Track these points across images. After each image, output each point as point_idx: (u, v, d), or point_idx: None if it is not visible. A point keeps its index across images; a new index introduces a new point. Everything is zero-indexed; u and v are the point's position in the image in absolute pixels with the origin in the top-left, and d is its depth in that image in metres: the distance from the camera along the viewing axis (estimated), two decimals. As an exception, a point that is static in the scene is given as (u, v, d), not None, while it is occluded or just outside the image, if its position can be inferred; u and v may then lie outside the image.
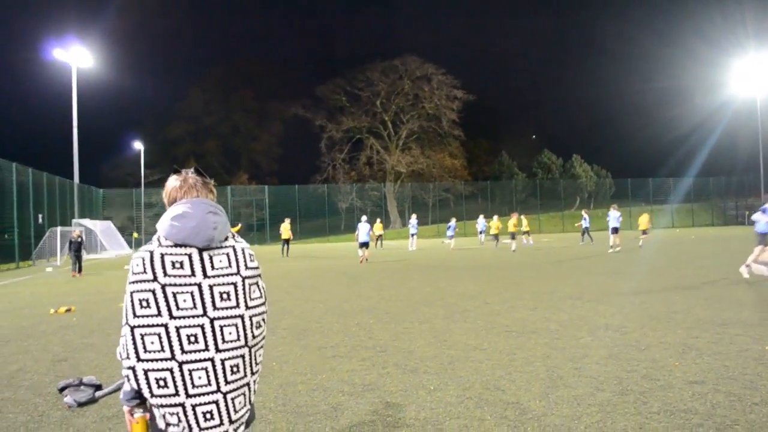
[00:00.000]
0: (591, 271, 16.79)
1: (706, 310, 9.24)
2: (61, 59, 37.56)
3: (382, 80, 67.27)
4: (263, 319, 2.45)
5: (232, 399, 2.32)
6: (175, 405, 2.23)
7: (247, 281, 2.39)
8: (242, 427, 2.37)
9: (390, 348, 7.31)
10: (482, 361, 6.45)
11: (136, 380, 2.20)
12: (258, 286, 2.45)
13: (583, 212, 34.64)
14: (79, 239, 21.73)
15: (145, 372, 2.20)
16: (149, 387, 2.20)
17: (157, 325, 2.22)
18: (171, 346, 2.22)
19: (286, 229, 30.56)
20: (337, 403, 5.13)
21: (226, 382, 2.30)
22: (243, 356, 2.34)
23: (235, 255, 2.40)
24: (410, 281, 15.50)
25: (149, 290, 2.23)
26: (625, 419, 4.48)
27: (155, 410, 2.25)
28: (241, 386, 2.35)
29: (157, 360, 2.20)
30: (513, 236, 29.78)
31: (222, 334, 2.30)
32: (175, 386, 2.23)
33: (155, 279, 2.24)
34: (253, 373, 2.40)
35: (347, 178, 67.90)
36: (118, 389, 5.70)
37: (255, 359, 2.41)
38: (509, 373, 5.93)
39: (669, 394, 5.05)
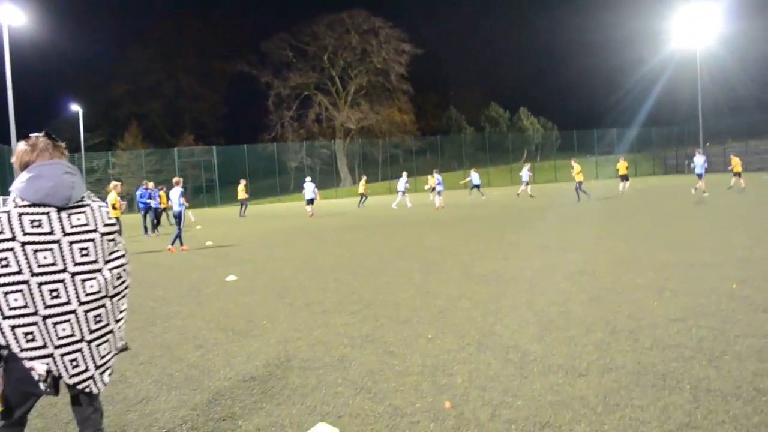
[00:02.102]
0: (550, 221, 17.25)
1: (669, 254, 9.66)
2: (-10, 17, 35.39)
3: (328, 34, 66.13)
4: (124, 270, 2.73)
5: (97, 346, 2.61)
6: (45, 356, 2.43)
7: (104, 237, 2.62)
8: (108, 371, 2.69)
9: (376, 301, 7.42)
10: (470, 309, 6.63)
11: (4, 336, 2.36)
12: (115, 241, 2.70)
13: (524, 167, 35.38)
14: None
15: (12, 328, 2.36)
16: (17, 341, 2.38)
17: (19, 282, 2.37)
18: (34, 302, 2.40)
19: (241, 189, 31.05)
20: (342, 355, 5.22)
21: (90, 332, 2.56)
22: (105, 306, 2.62)
23: (93, 213, 2.60)
24: (374, 237, 15.61)
25: (8, 249, 2.36)
26: (622, 356, 4.71)
27: (25, 363, 2.41)
28: (105, 334, 2.64)
29: (22, 315, 2.37)
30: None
31: (83, 287, 2.52)
32: (43, 339, 2.42)
33: (14, 238, 2.37)
34: (117, 321, 2.72)
35: (296, 137, 67.18)
36: (116, 353, 5.65)
37: (118, 308, 2.73)
38: (500, 319, 6.12)
39: (656, 331, 5.32)
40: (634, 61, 76.92)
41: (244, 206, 31.25)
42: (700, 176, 25.24)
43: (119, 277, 2.70)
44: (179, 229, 15.03)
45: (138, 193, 20.96)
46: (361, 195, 33.86)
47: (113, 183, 17.25)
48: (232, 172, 55.26)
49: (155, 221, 21.53)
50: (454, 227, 17.00)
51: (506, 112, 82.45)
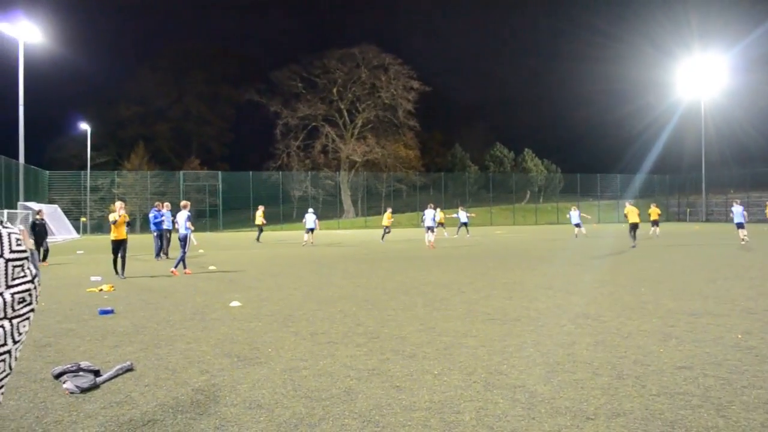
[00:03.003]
0: (552, 263, 17.26)
1: (674, 301, 9.67)
2: (8, 33, 36.05)
3: (339, 68, 66.97)
4: (29, 294, 2.78)
5: None
6: None
7: (10, 263, 2.70)
8: (1, 389, 2.72)
9: (382, 334, 7.42)
10: (477, 348, 6.63)
11: None
12: (23, 267, 2.77)
13: (572, 208, 34.66)
14: (43, 220, 19.51)
15: None
16: None
17: None
18: None
19: (259, 215, 32.02)
20: (348, 387, 5.22)
21: None
22: (3, 327, 2.67)
23: (0, 239, 2.69)
24: (378, 270, 15.63)
25: None
26: (629, 401, 4.71)
27: None
28: (2, 353, 2.68)
29: None
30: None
31: None
32: None
33: None
34: (15, 342, 2.75)
35: (301, 166, 67.46)
36: (119, 374, 5.66)
37: (17, 330, 2.76)
38: (506, 358, 6.12)
39: (663, 378, 5.32)
40: (640, 110, 77.70)
41: (260, 232, 32.68)
42: (740, 225, 24.74)
43: (22, 301, 2.75)
44: (183, 252, 15.07)
45: (151, 215, 20.34)
46: (385, 228, 32.05)
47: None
48: (236, 198, 55.49)
49: (165, 245, 20.78)
50: (456, 264, 17.01)
51: (511, 152, 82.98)
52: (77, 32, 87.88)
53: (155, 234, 20.01)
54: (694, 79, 56.40)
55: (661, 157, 68.64)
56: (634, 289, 11.30)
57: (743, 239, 23.84)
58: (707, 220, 57.97)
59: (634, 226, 23.07)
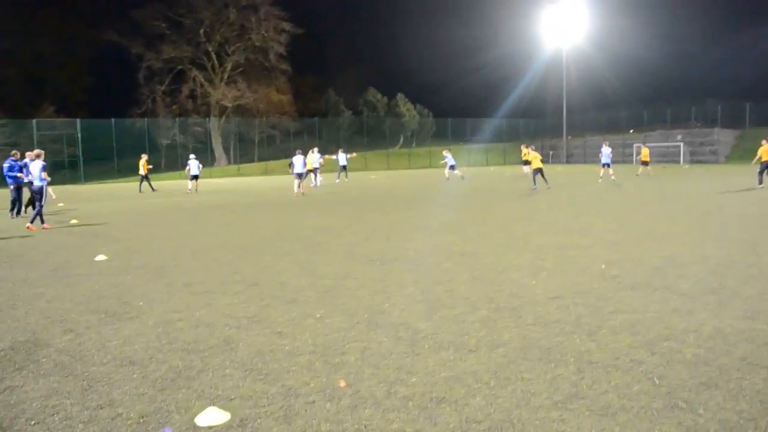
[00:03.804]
0: (428, 205, 17.64)
1: (543, 237, 10.17)
2: None
3: (205, 7, 63.16)
4: None
5: None
6: None
7: None
8: None
9: (260, 281, 7.21)
10: (357, 289, 6.60)
11: None
12: None
13: (444, 152, 34.90)
14: None
15: None
16: None
17: None
18: None
19: (142, 164, 30.12)
20: (227, 336, 5.00)
21: None
22: None
23: None
24: (254, 217, 15.24)
25: None
26: (507, 332, 4.87)
27: None
28: None
29: None
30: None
31: None
32: None
33: None
34: None
35: (168, 112, 63.91)
36: (-34, 338, 5.09)
37: None
38: (387, 298, 6.14)
39: (537, 308, 5.55)
40: (507, 56, 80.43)
41: (143, 181, 30.24)
42: (607, 165, 27.07)
43: None
44: (40, 205, 13.83)
45: (6, 165, 18.06)
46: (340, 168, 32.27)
47: None
48: (98, 147, 51.86)
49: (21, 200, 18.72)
50: (333, 209, 16.93)
51: (384, 97, 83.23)
52: None
53: (12, 187, 17.95)
54: (557, 26, 58.85)
55: (526, 102, 71.67)
56: (507, 226, 11.76)
57: (612, 177, 25.83)
58: (568, 162, 61.63)
59: (537, 171, 23.21)
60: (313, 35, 75.05)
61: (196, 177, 28.29)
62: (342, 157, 33.81)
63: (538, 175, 23.18)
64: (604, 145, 28.14)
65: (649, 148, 33.55)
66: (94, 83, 78.23)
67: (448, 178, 32.21)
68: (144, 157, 30.72)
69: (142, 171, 30.26)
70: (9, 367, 4.45)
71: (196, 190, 27.95)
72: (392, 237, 10.71)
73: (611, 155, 27.70)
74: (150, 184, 30.45)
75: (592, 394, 3.57)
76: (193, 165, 28.27)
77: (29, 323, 5.66)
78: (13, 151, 17.82)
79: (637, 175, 30.71)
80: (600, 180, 26.11)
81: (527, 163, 34.50)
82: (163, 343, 4.89)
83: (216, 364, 4.34)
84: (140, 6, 62.46)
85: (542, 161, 23.83)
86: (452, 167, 32.27)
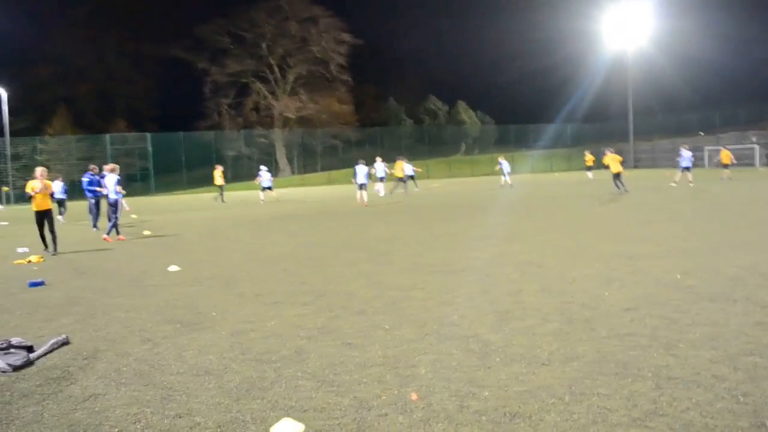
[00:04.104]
0: (491, 213, 17.48)
1: (613, 245, 9.90)
2: None
3: (267, 21, 64.65)
4: None
5: None
6: None
7: None
8: None
9: (328, 292, 7.29)
10: (425, 300, 6.59)
11: None
12: None
13: (499, 158, 34.81)
14: None
15: None
16: None
17: None
18: None
19: (219, 176, 31.25)
20: (298, 347, 5.08)
21: None
22: None
23: None
24: (319, 227, 15.43)
25: None
26: (581, 345, 4.76)
27: None
28: None
29: None
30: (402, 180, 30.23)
31: None
32: None
33: None
34: None
35: (234, 125, 65.62)
36: (54, 348, 5.34)
37: None
38: (455, 309, 6.10)
39: (611, 320, 5.41)
40: (568, 59, 78.62)
41: (221, 192, 31.87)
42: (687, 169, 25.77)
43: None
44: (115, 218, 14.45)
45: (85, 179, 18.60)
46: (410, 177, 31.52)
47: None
48: (168, 160, 53.68)
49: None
50: (397, 218, 16.98)
51: (444, 105, 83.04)
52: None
53: (92, 201, 18.57)
54: (621, 28, 57.42)
55: (590, 106, 69.98)
56: (573, 234, 11.52)
57: (690, 182, 24.82)
58: (635, 167, 59.90)
59: (617, 176, 23.09)
60: (372, 45, 75.66)
61: (269, 188, 29.53)
62: (408, 168, 33.59)
63: (618, 180, 22.83)
64: (683, 148, 26.70)
65: (729, 150, 32.11)
66: (163, 98, 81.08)
67: (502, 185, 32.13)
68: (219, 168, 31.80)
69: (219, 181, 31.32)
70: (92, 375, 4.64)
71: (277, 199, 29.61)
72: (457, 246, 10.65)
73: (692, 159, 26.53)
74: (222, 196, 31.68)
75: (673, 412, 3.45)
76: (265, 176, 29.39)
77: (109, 332, 5.89)
78: (92, 166, 18.41)
79: (721, 179, 29.26)
80: (674, 184, 25.14)
81: (590, 168, 34.44)
82: (236, 353, 5.00)
83: (288, 375, 4.41)
84: (204, 23, 64.46)
85: (622, 163, 23.38)
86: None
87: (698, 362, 4.23)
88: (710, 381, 3.87)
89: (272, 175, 30.09)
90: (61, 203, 22.81)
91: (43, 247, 12.38)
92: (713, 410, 3.44)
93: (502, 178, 32.69)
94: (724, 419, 3.33)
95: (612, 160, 23.45)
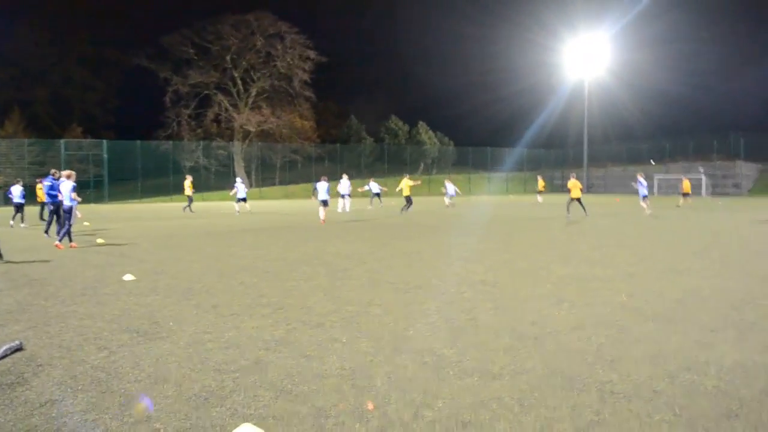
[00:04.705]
0: (448, 232, 17.76)
1: (564, 267, 10.23)
2: None
3: (233, 35, 64.49)
4: None
5: None
6: None
7: None
8: None
9: (286, 305, 7.37)
10: (382, 315, 6.73)
11: None
12: None
13: (446, 181, 36.07)
14: None
15: None
16: None
17: None
18: None
19: (188, 186, 31.96)
20: (257, 358, 5.16)
21: None
22: None
23: None
24: (277, 241, 15.44)
25: None
26: (531, 360, 4.97)
27: None
28: None
29: None
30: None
31: None
32: None
33: None
34: None
35: (193, 136, 64.97)
36: (7, 354, 5.31)
37: None
38: (411, 324, 6.27)
39: (559, 337, 5.64)
40: (529, 88, 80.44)
41: (190, 201, 32.29)
42: (644, 197, 26.05)
43: None
44: (69, 224, 14.22)
45: (47, 184, 17.69)
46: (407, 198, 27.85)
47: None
48: (123, 168, 52.86)
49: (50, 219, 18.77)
50: (356, 235, 17.10)
51: (405, 125, 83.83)
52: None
53: (51, 207, 17.73)
54: (580, 59, 59.21)
55: (548, 133, 71.78)
56: (528, 255, 11.84)
57: (647, 211, 25.38)
58: (588, 192, 61.46)
59: (576, 200, 23.81)
60: (337, 63, 75.96)
61: (243, 199, 29.63)
62: (374, 186, 34.52)
63: (575, 203, 23.72)
64: (640, 176, 26.98)
65: (689, 180, 33.63)
66: (122, 106, 79.81)
67: (447, 206, 34.11)
68: (189, 178, 32.30)
69: (188, 191, 31.77)
70: (48, 381, 4.63)
71: (250, 211, 29.93)
72: (414, 264, 10.84)
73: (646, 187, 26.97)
74: (190, 206, 31.96)
75: (614, 422, 3.67)
76: (241, 188, 29.66)
77: (63, 340, 5.86)
78: (53, 170, 17.83)
79: (677, 206, 30.66)
80: (648, 212, 25.45)
81: (540, 192, 36.80)
82: (195, 363, 5.05)
83: (247, 384, 4.49)
84: (169, 32, 63.91)
85: (581, 191, 24.40)
86: (377, 195, 34.89)
87: (639, 378, 4.48)
88: (650, 395, 4.12)
89: (247, 187, 30.23)
90: (19, 208, 22.25)
91: None
92: (652, 421, 3.68)
93: (446, 199, 35.05)
94: (662, 430, 3.57)
95: (573, 185, 24.24)
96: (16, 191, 22.65)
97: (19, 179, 24.44)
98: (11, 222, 21.90)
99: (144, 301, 7.77)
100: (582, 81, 60.95)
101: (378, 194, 34.92)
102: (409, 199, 27.35)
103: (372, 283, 8.91)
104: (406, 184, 27.71)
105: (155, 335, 5.99)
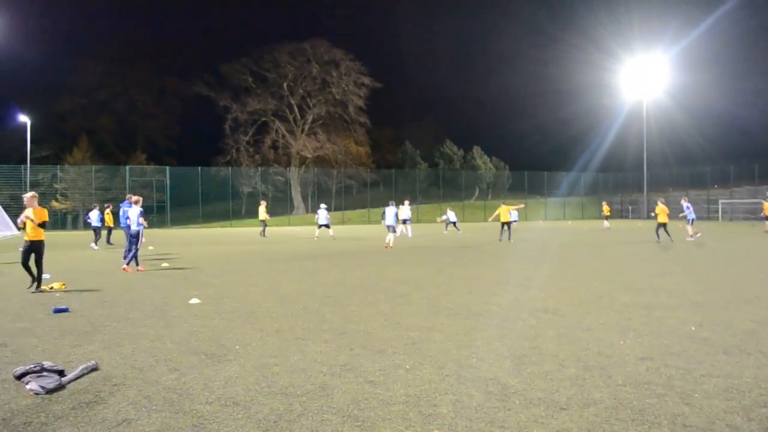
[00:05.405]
0: (504, 258, 17.60)
1: (628, 295, 10.01)
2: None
3: (289, 63, 66.32)
4: None
5: None
6: None
7: None
8: None
9: (348, 330, 7.45)
10: (444, 342, 6.73)
11: None
12: None
13: (447, 209, 37.86)
14: None
15: None
16: None
17: None
18: None
19: (262, 211, 31.91)
20: (322, 383, 5.23)
21: None
22: None
23: None
24: (335, 266, 15.61)
25: None
26: (598, 391, 4.88)
27: None
28: None
29: None
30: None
31: None
32: None
33: None
34: None
35: (251, 162, 66.61)
36: (84, 373, 5.53)
37: None
38: (474, 352, 6.24)
39: (627, 368, 5.53)
40: (585, 110, 79.31)
41: (264, 227, 32.29)
42: (691, 221, 26.11)
43: None
44: (136, 249, 14.74)
45: (126, 209, 17.74)
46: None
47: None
48: (184, 193, 54.44)
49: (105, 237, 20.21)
50: (412, 260, 17.14)
51: (460, 149, 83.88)
52: (16, 20, 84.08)
53: (128, 231, 17.62)
54: (637, 80, 58.17)
55: (605, 156, 70.54)
56: (588, 283, 11.63)
57: (691, 234, 25.35)
58: (649, 218, 59.89)
59: (662, 225, 24.35)
60: (392, 89, 77.10)
61: (326, 225, 29.17)
62: (452, 215, 35.76)
63: (662, 230, 24.13)
64: (684, 201, 26.75)
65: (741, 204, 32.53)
66: (183, 133, 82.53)
67: (445, 232, 34.96)
68: (264, 203, 32.45)
69: (262, 216, 31.78)
70: (123, 401, 4.82)
71: (333, 237, 29.29)
72: (474, 291, 10.79)
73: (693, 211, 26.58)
74: (264, 230, 32.12)
75: (690, 459, 3.58)
76: (322, 215, 29.30)
77: (136, 360, 6.08)
78: (128, 195, 18.56)
79: (766, 232, 30.06)
80: (690, 239, 25.07)
81: (607, 217, 36.29)
82: (262, 386, 5.16)
83: (314, 409, 4.57)
84: (228, 61, 66.00)
85: (668, 216, 24.65)
86: (454, 223, 35.23)
87: (713, 412, 4.35)
88: (725, 430, 3.99)
89: (329, 214, 29.82)
90: (96, 231, 23.74)
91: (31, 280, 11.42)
92: (728, 459, 3.57)
93: (446, 225, 36.28)
94: (738, 468, 3.46)
95: (661, 210, 24.41)
96: (94, 216, 24.19)
97: (95, 204, 25.89)
98: (95, 246, 23.19)
99: (210, 324, 7.98)
100: (640, 102, 59.75)
101: (454, 222, 35.30)
102: (506, 225, 25.97)
103: (432, 309, 8.91)
104: (503, 209, 26.05)
105: (222, 358, 6.15)
